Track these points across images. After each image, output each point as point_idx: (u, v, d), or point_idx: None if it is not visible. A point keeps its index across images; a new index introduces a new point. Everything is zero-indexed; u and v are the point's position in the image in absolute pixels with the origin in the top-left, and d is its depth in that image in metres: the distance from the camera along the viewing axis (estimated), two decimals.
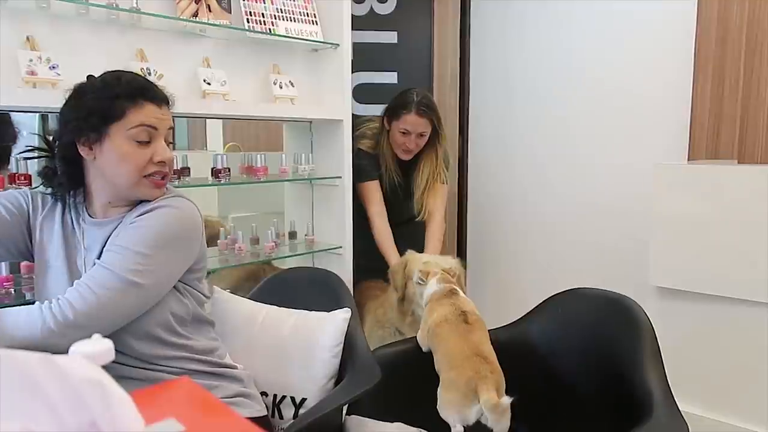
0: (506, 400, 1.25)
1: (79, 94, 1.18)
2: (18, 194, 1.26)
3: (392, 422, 1.41)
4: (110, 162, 1.16)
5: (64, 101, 1.19)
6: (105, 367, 0.49)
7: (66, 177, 1.21)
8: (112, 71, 1.21)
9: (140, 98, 1.16)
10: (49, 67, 1.60)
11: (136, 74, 1.24)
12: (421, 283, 1.64)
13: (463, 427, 1.27)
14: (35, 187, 1.52)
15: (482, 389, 1.27)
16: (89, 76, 1.21)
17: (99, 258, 1.16)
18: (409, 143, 2.27)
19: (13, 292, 1.61)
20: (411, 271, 1.96)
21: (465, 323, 1.45)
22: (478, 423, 1.26)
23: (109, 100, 1.14)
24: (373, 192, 2.35)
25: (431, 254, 2.26)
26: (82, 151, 1.17)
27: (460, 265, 1.97)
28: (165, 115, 1.20)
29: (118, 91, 1.15)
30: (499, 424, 1.26)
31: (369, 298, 2.26)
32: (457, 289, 1.57)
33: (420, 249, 2.24)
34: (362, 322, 2.08)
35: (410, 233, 2.40)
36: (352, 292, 2.07)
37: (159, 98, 1.19)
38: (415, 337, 1.58)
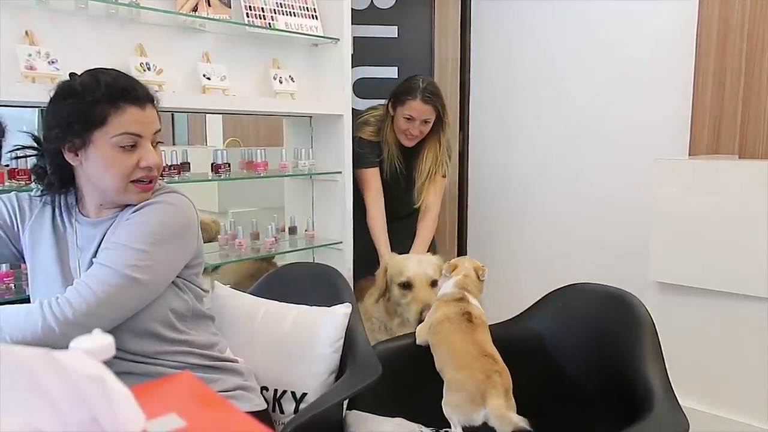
0: (516, 419, 1.23)
1: (60, 96, 1.14)
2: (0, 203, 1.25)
3: (393, 417, 1.41)
4: (96, 168, 1.14)
5: (48, 100, 1.15)
6: (105, 363, 0.49)
7: (56, 178, 1.20)
8: (92, 70, 1.16)
9: (121, 102, 1.12)
10: (48, 62, 1.59)
11: (118, 73, 1.17)
12: (447, 276, 1.63)
13: (467, 426, 1.27)
14: (29, 184, 1.53)
15: (491, 395, 1.26)
16: (72, 74, 1.18)
17: (95, 257, 1.15)
18: (412, 129, 2.26)
19: (13, 287, 1.61)
20: (392, 276, 1.97)
21: (468, 322, 1.44)
22: (483, 423, 1.26)
23: (88, 106, 1.11)
24: (372, 179, 2.34)
25: (418, 249, 2.28)
26: (68, 157, 1.15)
27: (440, 261, 1.97)
28: (149, 117, 1.16)
29: (98, 95, 1.11)
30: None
31: (363, 291, 2.26)
32: (469, 296, 1.54)
33: None
34: None
35: (409, 229, 2.40)
36: (352, 287, 2.07)
37: (141, 99, 1.15)
38: (415, 332, 1.57)
